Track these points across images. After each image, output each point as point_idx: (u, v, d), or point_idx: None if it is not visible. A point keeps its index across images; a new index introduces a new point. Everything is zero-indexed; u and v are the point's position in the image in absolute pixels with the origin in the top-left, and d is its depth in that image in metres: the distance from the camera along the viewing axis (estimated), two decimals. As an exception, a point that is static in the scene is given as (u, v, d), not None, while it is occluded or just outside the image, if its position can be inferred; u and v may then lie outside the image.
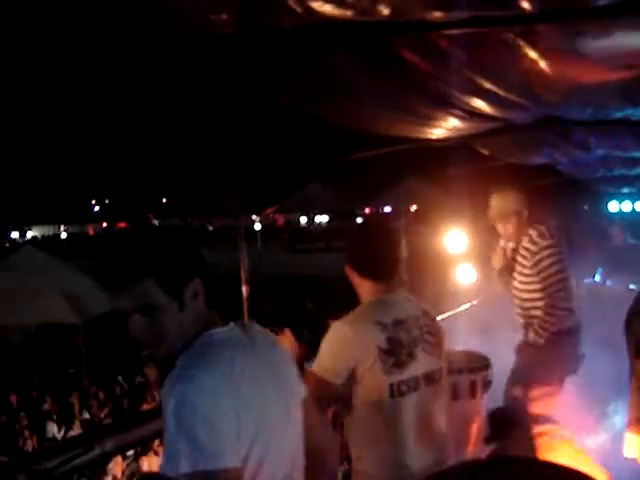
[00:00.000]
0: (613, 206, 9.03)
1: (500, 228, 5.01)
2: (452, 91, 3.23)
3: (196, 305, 1.98)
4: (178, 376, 1.84)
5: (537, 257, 4.74)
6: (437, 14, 2.34)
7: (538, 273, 4.76)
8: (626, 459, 3.58)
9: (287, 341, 3.24)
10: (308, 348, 3.29)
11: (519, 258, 4.95)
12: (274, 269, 14.23)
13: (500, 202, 4.94)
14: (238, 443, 1.80)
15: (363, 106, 3.50)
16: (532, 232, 4.81)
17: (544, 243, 4.74)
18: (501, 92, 3.22)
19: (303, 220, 15.55)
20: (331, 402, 3.42)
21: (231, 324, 2.03)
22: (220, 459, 1.76)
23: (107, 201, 49.12)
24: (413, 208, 11.33)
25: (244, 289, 5.48)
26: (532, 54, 2.76)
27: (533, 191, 6.35)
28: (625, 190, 8.80)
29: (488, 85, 3.13)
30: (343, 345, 2.94)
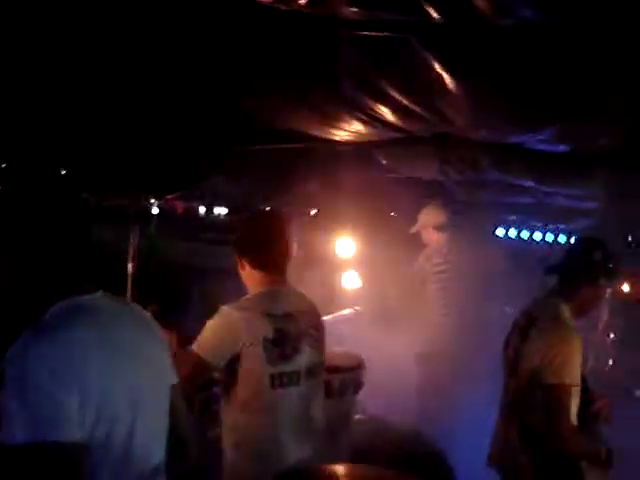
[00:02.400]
0: (500, 232, 9.34)
1: (427, 239, 6.11)
2: (357, 93, 3.27)
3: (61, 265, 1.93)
4: (20, 340, 1.77)
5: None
6: (352, 10, 2.36)
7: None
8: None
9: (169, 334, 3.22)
10: (182, 336, 3.26)
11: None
12: (167, 255, 14.03)
13: (429, 214, 5.54)
14: (81, 416, 1.74)
15: (272, 94, 3.50)
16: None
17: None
18: (405, 101, 3.29)
19: (202, 210, 15.34)
20: (205, 385, 3.41)
21: (99, 292, 1.98)
22: (60, 431, 1.69)
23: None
24: (313, 212, 11.37)
25: (130, 266, 5.40)
26: (437, 67, 2.83)
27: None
28: (512, 217, 9.12)
29: (393, 92, 3.19)
30: (229, 329, 2.94)
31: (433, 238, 6.07)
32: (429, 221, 6.14)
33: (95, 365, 1.80)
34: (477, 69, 2.86)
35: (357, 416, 4.49)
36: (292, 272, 7.04)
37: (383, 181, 6.51)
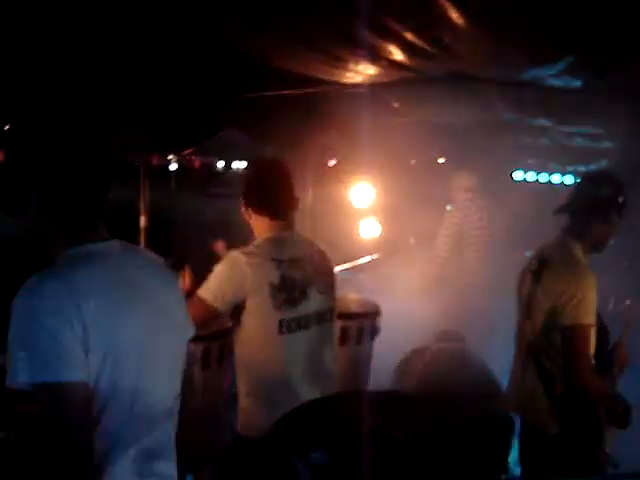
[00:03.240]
0: (518, 175, 9.22)
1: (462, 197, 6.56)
2: (362, 31, 3.19)
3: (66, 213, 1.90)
4: (29, 283, 1.76)
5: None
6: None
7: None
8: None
9: (186, 278, 3.22)
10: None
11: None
12: (186, 210, 14.09)
13: (459, 178, 6.60)
14: (86, 359, 1.72)
15: (271, 38, 3.44)
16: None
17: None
18: (411, 38, 3.20)
19: (220, 165, 15.24)
20: (215, 333, 3.41)
21: (112, 241, 1.96)
22: (62, 371, 1.68)
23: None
24: (332, 163, 11.31)
25: (142, 219, 5.42)
26: (445, 2, 2.74)
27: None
28: (530, 161, 9.00)
29: (399, 29, 3.11)
30: (235, 274, 2.93)
31: (463, 197, 6.33)
32: (462, 184, 6.39)
33: (102, 306, 1.78)
34: (485, 2, 2.77)
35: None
36: (311, 222, 7.04)
37: (401, 128, 6.43)
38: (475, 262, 6.39)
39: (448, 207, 6.82)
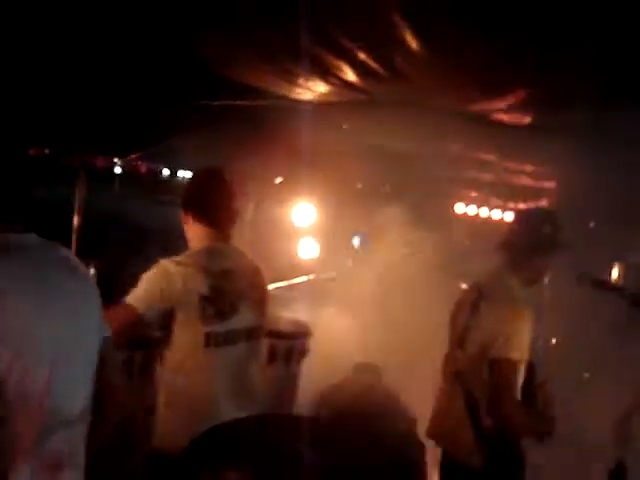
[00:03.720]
0: (459, 207, 9.32)
1: None
2: (316, 47, 3.15)
3: None
4: None
5: None
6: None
7: None
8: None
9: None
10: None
11: None
12: (127, 214, 13.95)
13: None
14: None
15: (228, 46, 3.38)
16: None
17: None
18: (364, 58, 3.18)
19: (166, 172, 15.11)
20: (140, 341, 3.31)
21: (30, 235, 1.88)
22: None
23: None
24: (278, 180, 11.27)
25: (75, 219, 5.30)
26: (398, 22, 2.72)
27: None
28: (473, 194, 9.11)
29: (353, 49, 3.08)
30: (164, 281, 2.84)
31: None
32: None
33: (16, 301, 1.70)
34: (441, 26, 2.75)
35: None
36: (251, 236, 6.96)
37: (349, 151, 6.43)
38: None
39: None
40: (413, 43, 2.85)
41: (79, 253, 5.41)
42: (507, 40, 2.74)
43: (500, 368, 3.19)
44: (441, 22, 2.66)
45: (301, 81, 3.82)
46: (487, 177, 6.74)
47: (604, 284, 4.27)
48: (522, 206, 8.07)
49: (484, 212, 9.19)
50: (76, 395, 1.92)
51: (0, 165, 1.85)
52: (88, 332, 1.99)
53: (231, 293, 2.96)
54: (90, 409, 1.99)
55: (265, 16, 2.96)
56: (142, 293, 2.85)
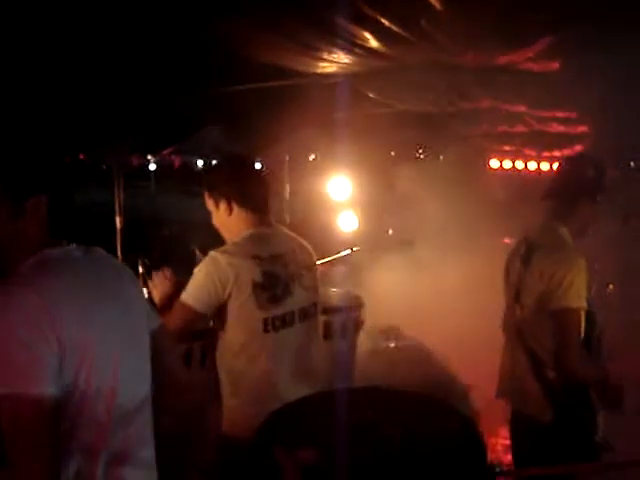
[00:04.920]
0: (494, 163, 9.23)
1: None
2: (335, 17, 3.13)
3: (35, 220, 1.83)
4: None
5: None
6: None
7: None
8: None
9: (163, 278, 3.13)
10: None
11: None
12: (169, 211, 14.07)
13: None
14: (60, 366, 1.68)
15: (248, 27, 3.37)
16: None
17: None
18: (385, 21, 3.14)
19: (200, 163, 15.16)
20: (197, 333, 3.35)
21: (72, 245, 1.91)
22: (32, 382, 1.64)
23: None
24: (311, 157, 11.30)
25: (117, 221, 5.35)
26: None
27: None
28: (506, 148, 9.00)
29: (372, 13, 3.05)
30: (216, 275, 2.83)
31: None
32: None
33: (74, 315, 1.74)
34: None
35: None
36: (290, 216, 6.96)
37: (379, 119, 6.40)
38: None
39: None
40: (437, 4, 2.81)
41: (124, 253, 5.49)
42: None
43: (562, 318, 3.14)
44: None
45: (324, 55, 3.80)
46: (519, 129, 6.64)
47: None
48: (557, 154, 7.97)
49: (519, 164, 9.11)
50: (137, 391, 1.98)
51: (43, 183, 1.86)
52: (140, 329, 2.05)
53: (283, 276, 2.96)
54: (150, 402, 2.04)
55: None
56: (196, 289, 2.86)
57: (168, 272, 3.13)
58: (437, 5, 2.87)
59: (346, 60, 3.88)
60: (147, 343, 2.07)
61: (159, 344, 2.16)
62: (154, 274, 3.12)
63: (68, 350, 1.70)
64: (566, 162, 3.79)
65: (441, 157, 7.97)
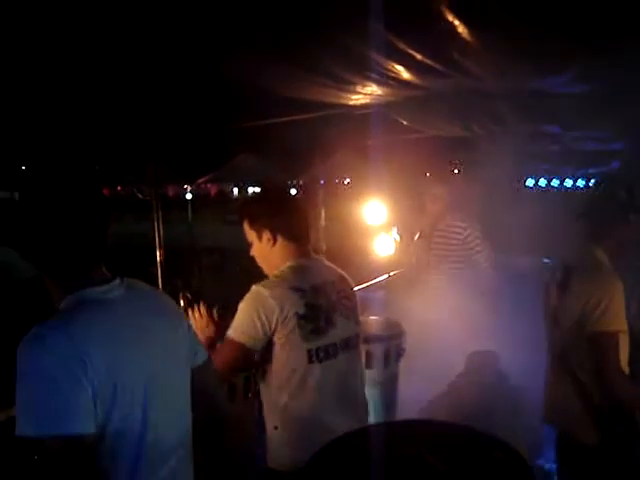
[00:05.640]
0: (529, 182, 9.19)
1: (429, 207, 6.01)
2: (369, 53, 3.18)
3: None
4: (31, 334, 1.77)
5: (465, 233, 5.77)
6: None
7: (466, 244, 5.77)
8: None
9: (199, 316, 3.18)
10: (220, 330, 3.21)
11: (449, 235, 5.88)
12: (206, 240, 14.17)
13: (430, 186, 5.96)
14: (93, 407, 1.75)
15: (277, 65, 3.43)
16: (458, 216, 5.88)
17: (466, 224, 5.78)
18: (419, 56, 3.19)
19: (236, 191, 15.33)
20: (246, 367, 3.39)
21: (115, 281, 1.98)
22: (69, 424, 1.70)
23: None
24: (347, 181, 11.33)
25: (158, 254, 5.43)
26: (451, 18, 2.73)
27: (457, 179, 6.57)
28: (541, 167, 8.97)
29: (406, 48, 3.10)
30: (261, 309, 2.88)
31: (434, 208, 6.07)
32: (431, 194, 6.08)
33: (106, 355, 1.80)
34: (491, 16, 2.75)
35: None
36: (326, 243, 6.97)
37: (411, 143, 6.44)
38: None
39: None
40: (467, 36, 2.85)
41: (165, 285, 5.57)
42: (559, 18, 2.72)
43: (599, 342, 3.14)
44: (493, 12, 2.67)
45: (358, 88, 3.85)
46: (554, 148, 6.63)
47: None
48: (592, 171, 7.92)
49: (555, 182, 9.06)
50: (172, 430, 2.04)
51: (79, 216, 1.91)
52: (177, 367, 2.10)
53: (325, 307, 3.00)
54: (190, 439, 2.12)
55: (317, 30, 2.99)
56: (242, 325, 2.90)
57: (203, 308, 3.17)
58: (467, 36, 2.91)
59: (379, 92, 3.93)
60: (186, 380, 2.13)
61: (204, 380, 2.22)
62: (189, 311, 3.17)
63: (99, 392, 1.76)
64: (597, 183, 3.79)
65: (475, 177, 7.93)
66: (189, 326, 2.27)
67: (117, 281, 1.98)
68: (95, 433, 1.75)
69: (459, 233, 5.82)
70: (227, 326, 2.98)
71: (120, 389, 1.82)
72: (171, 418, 2.03)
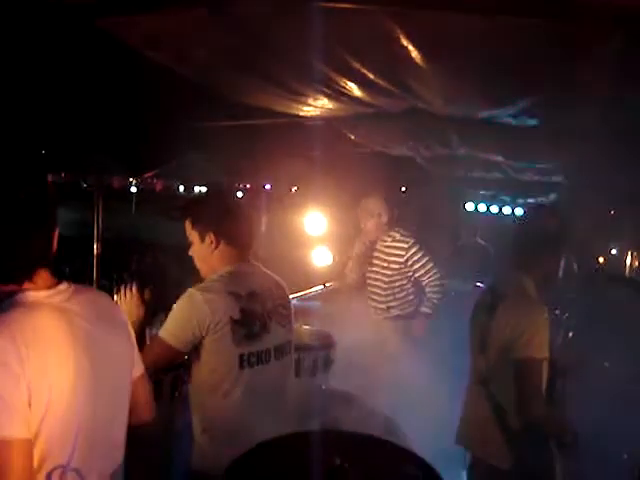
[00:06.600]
0: (469, 206, 9.36)
1: (363, 225, 6.03)
2: (322, 68, 3.22)
3: None
4: None
5: (408, 254, 5.82)
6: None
7: (410, 267, 5.84)
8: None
9: (130, 299, 3.15)
10: (150, 311, 3.20)
11: (380, 254, 5.94)
12: (148, 234, 14.03)
13: (366, 203, 5.99)
14: (29, 413, 1.72)
15: (229, 71, 3.46)
16: (394, 234, 5.92)
17: (410, 241, 5.85)
18: (371, 76, 3.25)
19: (182, 189, 15.20)
20: (173, 367, 3.38)
21: (60, 286, 1.94)
22: (7, 429, 1.67)
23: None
24: (294, 189, 11.35)
25: (95, 246, 5.38)
26: (404, 41, 2.78)
27: (398, 196, 6.66)
28: (482, 192, 9.15)
29: (359, 67, 3.15)
30: (194, 313, 2.88)
31: (371, 228, 6.09)
32: (367, 211, 6.08)
33: (43, 361, 1.76)
34: (444, 46, 2.82)
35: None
36: (267, 249, 6.97)
37: (359, 157, 6.51)
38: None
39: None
40: (421, 62, 2.92)
41: (101, 277, 5.52)
42: (513, 53, 2.80)
43: (525, 368, 3.19)
44: (446, 43, 2.74)
45: (309, 100, 3.90)
46: (495, 175, 6.78)
47: (617, 278, 4.28)
48: (531, 201, 8.11)
49: (494, 209, 9.24)
50: (109, 436, 2.03)
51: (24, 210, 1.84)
52: (119, 372, 2.09)
53: (260, 314, 3.02)
54: (123, 448, 2.11)
55: (273, 43, 3.02)
56: (174, 326, 2.91)
57: (135, 288, 3.15)
58: (420, 62, 2.97)
59: (330, 106, 3.98)
60: (124, 387, 2.12)
61: (135, 393, 2.20)
62: (121, 287, 3.15)
63: (35, 392, 1.72)
64: (526, 213, 3.84)
65: (417, 195, 8.06)
66: (132, 337, 2.24)
67: (62, 286, 1.94)
68: (28, 438, 1.72)
69: (399, 255, 5.87)
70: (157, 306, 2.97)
71: (55, 393, 1.78)
72: (106, 425, 2.00)
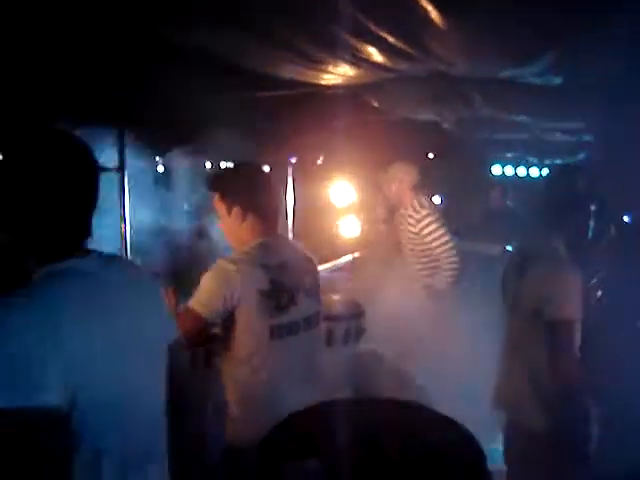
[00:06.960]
0: (496, 169, 9.26)
1: (386, 192, 6.01)
2: (341, 34, 3.18)
3: None
4: (5, 302, 1.70)
5: (420, 224, 5.70)
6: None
7: (422, 238, 5.70)
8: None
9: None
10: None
11: (405, 223, 5.86)
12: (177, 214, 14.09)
13: (389, 169, 5.95)
14: (64, 380, 1.69)
15: (245, 41, 3.41)
16: (415, 203, 5.80)
17: (424, 212, 5.71)
18: (391, 39, 3.20)
19: (208, 166, 15.16)
20: (203, 339, 3.40)
21: (93, 254, 1.93)
22: (38, 395, 1.65)
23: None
24: (319, 161, 11.32)
25: (122, 226, 5.38)
26: (424, 3, 2.73)
27: (421, 162, 6.60)
28: (508, 154, 9.03)
29: (378, 30, 3.10)
30: (224, 283, 2.90)
31: (393, 193, 5.96)
32: (389, 176, 5.98)
33: (80, 330, 1.75)
34: (464, 4, 2.77)
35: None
36: (295, 222, 6.97)
37: (383, 125, 6.45)
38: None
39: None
40: (440, 22, 2.87)
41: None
42: (532, 9, 2.74)
43: (557, 330, 3.16)
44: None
45: (329, 68, 3.85)
46: (522, 136, 6.68)
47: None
48: (559, 162, 8.00)
49: (521, 171, 9.14)
50: (150, 400, 2.03)
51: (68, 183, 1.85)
52: (154, 338, 2.08)
53: (289, 285, 3.02)
54: (164, 413, 2.10)
55: (291, 9, 2.97)
56: (204, 297, 2.92)
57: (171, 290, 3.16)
58: (440, 22, 2.92)
59: (351, 73, 3.93)
60: (160, 355, 2.12)
61: (173, 356, 2.21)
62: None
63: (71, 362, 1.71)
64: (554, 173, 3.77)
65: (445, 162, 7.98)
66: (162, 303, 2.23)
67: (94, 254, 1.94)
68: (63, 407, 1.70)
69: (412, 225, 5.78)
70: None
71: (90, 361, 1.76)
72: (147, 394, 2.00)
